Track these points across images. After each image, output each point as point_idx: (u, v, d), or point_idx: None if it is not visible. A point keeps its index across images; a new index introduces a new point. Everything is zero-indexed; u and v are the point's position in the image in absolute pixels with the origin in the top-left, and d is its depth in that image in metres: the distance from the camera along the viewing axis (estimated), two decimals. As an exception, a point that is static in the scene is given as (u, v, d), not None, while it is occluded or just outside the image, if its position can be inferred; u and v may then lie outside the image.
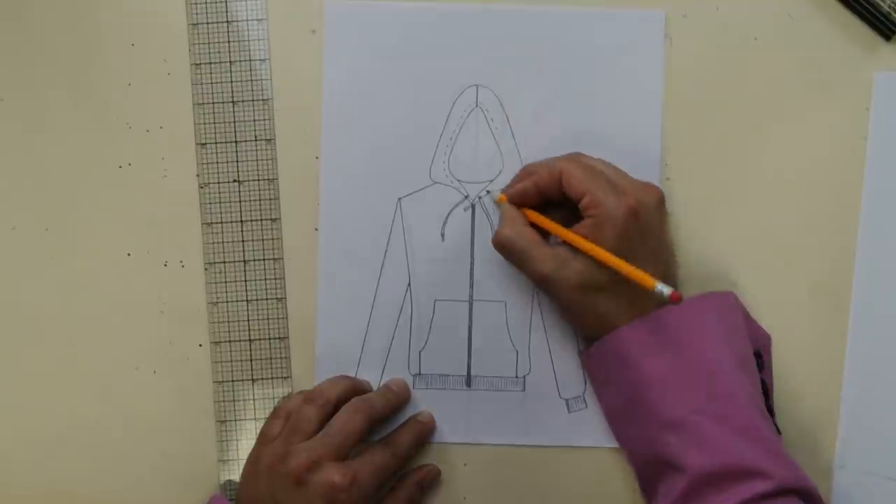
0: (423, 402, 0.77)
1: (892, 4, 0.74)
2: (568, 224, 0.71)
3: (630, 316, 0.70)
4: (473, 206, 0.76)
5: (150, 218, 0.77)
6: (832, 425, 0.76)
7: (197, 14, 0.76)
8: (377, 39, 0.76)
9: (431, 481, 0.76)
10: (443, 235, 0.77)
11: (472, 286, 0.77)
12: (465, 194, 0.76)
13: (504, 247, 0.72)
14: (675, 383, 0.69)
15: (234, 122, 0.76)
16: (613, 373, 0.72)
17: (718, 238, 0.76)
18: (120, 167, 0.77)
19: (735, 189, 0.76)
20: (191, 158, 0.76)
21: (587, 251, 0.69)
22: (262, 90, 0.76)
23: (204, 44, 0.76)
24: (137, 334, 0.77)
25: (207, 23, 0.76)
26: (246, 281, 0.76)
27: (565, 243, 0.71)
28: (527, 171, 0.74)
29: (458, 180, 0.76)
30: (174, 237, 0.77)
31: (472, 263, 0.77)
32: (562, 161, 0.72)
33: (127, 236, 0.77)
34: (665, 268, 0.72)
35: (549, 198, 0.72)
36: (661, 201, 0.72)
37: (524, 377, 0.77)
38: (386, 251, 0.77)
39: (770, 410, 0.72)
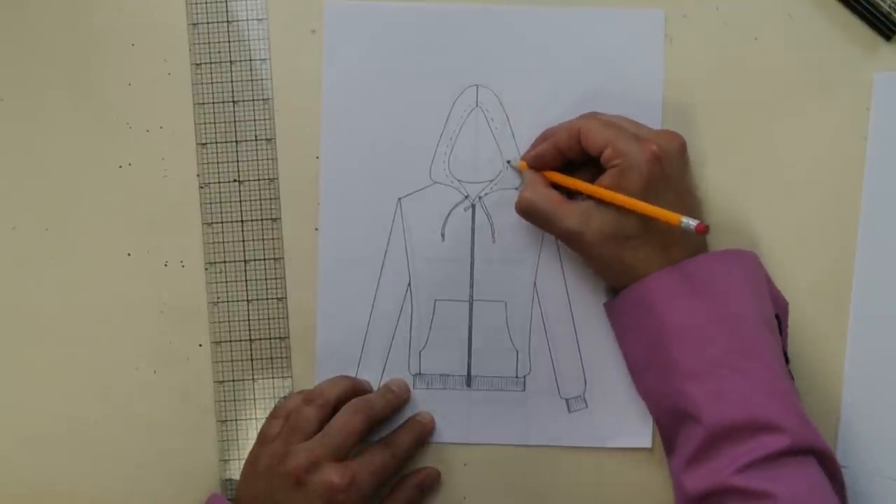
0: (423, 402, 0.77)
1: (892, 4, 0.74)
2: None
3: (657, 266, 0.70)
4: (473, 206, 0.76)
5: (150, 218, 0.77)
6: (832, 425, 0.76)
7: (197, 14, 0.76)
8: (377, 39, 0.76)
9: (431, 483, 0.76)
10: (443, 235, 0.77)
11: (472, 286, 0.77)
12: (465, 194, 0.76)
13: (527, 210, 0.73)
14: (698, 334, 0.68)
15: (235, 121, 0.76)
16: (637, 322, 0.71)
17: (718, 238, 0.76)
18: (120, 167, 0.77)
19: (735, 189, 0.76)
20: (191, 158, 0.76)
21: (611, 199, 0.69)
22: (263, 90, 0.76)
23: (204, 43, 0.76)
24: (137, 334, 0.77)
25: (208, 22, 0.76)
26: (246, 281, 0.76)
27: (589, 198, 0.71)
28: (544, 136, 0.74)
29: (458, 180, 0.76)
30: (174, 237, 0.77)
31: (472, 263, 0.77)
32: (579, 119, 0.72)
33: (127, 236, 0.77)
34: (690, 213, 0.71)
35: (569, 158, 0.73)
36: (683, 148, 0.72)
37: (524, 377, 0.77)
38: (386, 251, 0.77)
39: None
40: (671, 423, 0.70)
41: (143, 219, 0.77)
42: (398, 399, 0.76)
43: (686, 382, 0.68)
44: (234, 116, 0.76)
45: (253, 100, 0.76)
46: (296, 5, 0.77)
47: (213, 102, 0.76)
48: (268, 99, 0.76)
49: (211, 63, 0.76)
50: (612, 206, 0.69)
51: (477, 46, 0.76)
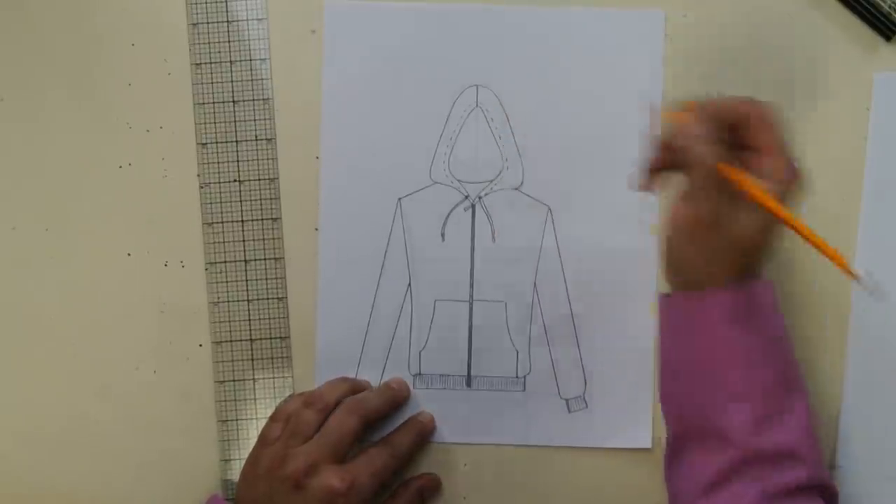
0: (423, 402, 0.77)
1: (893, 4, 0.74)
2: None
3: (724, 272, 0.65)
4: (473, 206, 0.76)
5: (150, 218, 0.77)
6: (832, 425, 0.76)
7: (197, 14, 0.76)
8: (377, 39, 0.77)
9: (432, 490, 0.77)
10: (443, 235, 0.77)
11: (472, 286, 0.77)
12: (466, 194, 0.76)
13: (702, 166, 0.64)
14: (749, 357, 0.66)
15: (235, 121, 0.76)
16: (689, 329, 0.68)
17: (718, 238, 0.76)
18: (120, 167, 0.77)
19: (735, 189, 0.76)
20: (191, 158, 0.76)
21: (786, 220, 0.64)
22: (263, 90, 0.76)
23: (204, 43, 0.76)
24: (137, 334, 0.77)
25: (208, 22, 0.76)
26: (247, 280, 0.76)
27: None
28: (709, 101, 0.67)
29: (458, 180, 0.76)
30: (174, 237, 0.77)
31: (472, 263, 0.77)
32: (749, 105, 0.66)
33: (127, 236, 0.77)
34: None
35: (716, 130, 0.66)
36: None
37: (524, 377, 0.77)
38: (386, 251, 0.77)
39: None
40: (693, 434, 0.68)
41: (143, 219, 0.77)
42: (395, 394, 0.76)
43: (730, 402, 0.66)
44: (235, 116, 0.76)
45: (253, 99, 0.76)
46: (296, 5, 0.77)
47: (214, 102, 0.76)
48: (268, 99, 0.76)
49: (211, 63, 0.76)
50: (762, 211, 0.64)
51: (477, 46, 0.77)
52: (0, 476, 0.77)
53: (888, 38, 0.75)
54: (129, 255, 0.77)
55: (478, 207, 0.77)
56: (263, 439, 0.72)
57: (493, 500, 0.77)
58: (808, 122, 0.76)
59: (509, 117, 0.77)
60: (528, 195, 0.77)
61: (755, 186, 0.65)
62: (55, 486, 0.77)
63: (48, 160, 0.77)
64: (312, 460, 0.69)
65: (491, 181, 0.77)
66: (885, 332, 0.76)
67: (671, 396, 0.71)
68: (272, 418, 0.74)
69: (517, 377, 0.77)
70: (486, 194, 0.77)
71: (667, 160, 0.67)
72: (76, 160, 0.77)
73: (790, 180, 0.65)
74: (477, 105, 0.77)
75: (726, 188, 0.65)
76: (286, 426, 0.72)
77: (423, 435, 0.76)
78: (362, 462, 0.71)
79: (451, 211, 0.77)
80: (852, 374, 0.76)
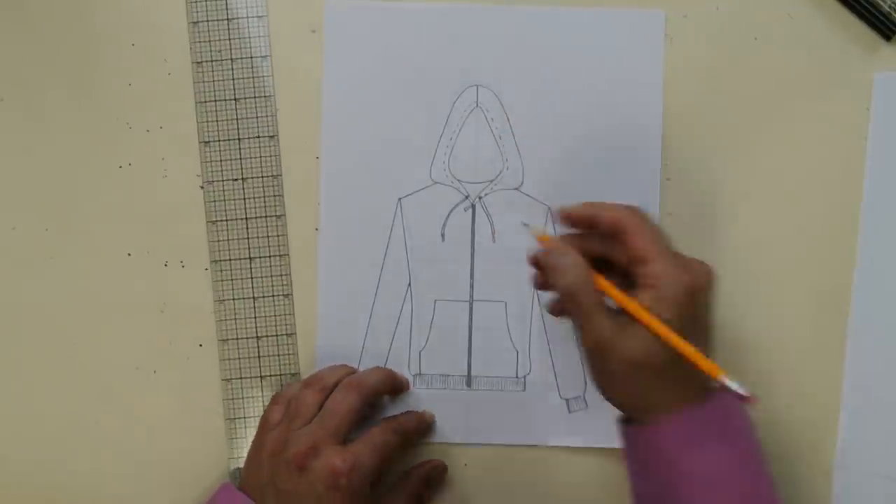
0: (423, 402, 0.77)
1: (893, 4, 0.75)
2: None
3: (675, 402, 0.63)
4: (473, 206, 0.76)
5: (150, 218, 0.77)
6: (832, 425, 0.76)
7: (197, 12, 0.76)
8: (377, 39, 0.77)
9: (438, 476, 0.76)
10: (443, 235, 0.77)
11: (472, 286, 0.77)
12: (466, 194, 0.77)
13: (572, 297, 0.64)
14: (716, 479, 0.63)
15: (237, 119, 0.76)
16: (651, 462, 0.65)
17: (718, 238, 0.76)
18: (120, 167, 0.77)
19: (735, 189, 0.76)
20: (191, 158, 0.76)
21: (654, 330, 0.62)
22: (264, 87, 0.76)
23: (205, 42, 0.76)
24: (137, 334, 0.77)
25: (208, 21, 0.76)
26: (252, 278, 0.76)
27: (622, 312, 0.64)
28: (585, 204, 0.67)
29: (459, 180, 0.77)
30: (174, 237, 0.77)
31: (472, 263, 0.77)
32: (624, 211, 0.65)
33: (127, 236, 0.77)
34: (704, 352, 0.64)
35: (592, 242, 0.67)
36: (714, 282, 0.65)
37: (524, 377, 0.77)
38: (386, 251, 0.77)
39: None
40: None
41: (143, 219, 0.77)
42: (393, 374, 0.76)
43: None
44: (237, 114, 0.76)
45: (255, 97, 0.76)
46: (295, 2, 0.77)
47: (215, 100, 0.76)
48: (269, 96, 0.76)
49: (212, 61, 0.76)
50: (647, 330, 0.62)
51: (477, 46, 0.77)
52: (0, 476, 0.77)
53: (888, 38, 0.76)
54: (129, 255, 0.77)
55: (478, 207, 0.77)
56: (265, 423, 0.73)
57: (493, 500, 0.77)
58: (808, 122, 0.76)
59: (509, 117, 0.77)
60: (528, 195, 0.77)
61: (627, 300, 0.63)
62: (55, 486, 0.77)
63: (48, 160, 0.77)
64: (314, 442, 0.69)
65: (491, 181, 0.77)
66: (885, 332, 0.76)
67: None
68: (272, 402, 0.74)
69: (517, 377, 0.77)
70: (486, 194, 0.77)
71: (546, 284, 0.67)
72: (76, 160, 0.77)
73: (678, 284, 0.63)
74: (477, 105, 0.77)
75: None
76: (287, 409, 0.72)
77: (424, 423, 0.76)
78: (364, 441, 0.71)
79: (451, 211, 0.77)
80: (852, 374, 0.76)
